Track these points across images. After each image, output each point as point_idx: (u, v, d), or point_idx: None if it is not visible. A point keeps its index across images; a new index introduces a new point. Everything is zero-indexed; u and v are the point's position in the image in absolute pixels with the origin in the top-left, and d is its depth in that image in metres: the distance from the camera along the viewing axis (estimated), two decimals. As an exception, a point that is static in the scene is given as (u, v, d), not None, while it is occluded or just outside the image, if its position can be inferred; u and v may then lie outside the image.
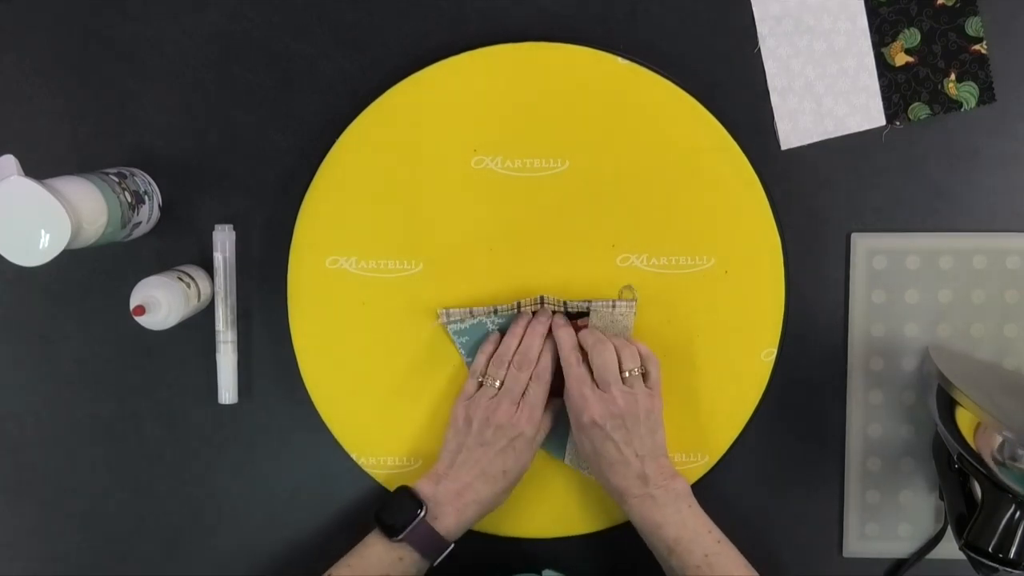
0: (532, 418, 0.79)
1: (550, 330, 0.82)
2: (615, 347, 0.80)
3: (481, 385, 0.81)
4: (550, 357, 0.81)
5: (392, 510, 0.78)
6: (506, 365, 0.81)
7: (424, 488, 0.79)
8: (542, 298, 0.83)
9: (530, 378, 0.80)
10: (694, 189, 0.84)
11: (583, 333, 0.81)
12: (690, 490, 0.79)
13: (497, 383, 0.80)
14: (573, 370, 0.80)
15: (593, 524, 0.87)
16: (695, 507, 0.79)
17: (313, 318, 0.85)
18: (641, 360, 0.81)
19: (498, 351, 0.82)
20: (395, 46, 0.85)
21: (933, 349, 0.86)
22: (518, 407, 0.79)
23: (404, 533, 0.76)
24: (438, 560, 0.78)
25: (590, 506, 0.86)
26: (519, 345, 0.81)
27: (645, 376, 0.81)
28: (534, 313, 0.83)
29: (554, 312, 0.83)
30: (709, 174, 0.84)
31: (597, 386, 0.79)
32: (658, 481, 0.78)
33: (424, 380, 0.85)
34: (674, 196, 0.84)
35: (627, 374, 0.79)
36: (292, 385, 0.86)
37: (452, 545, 0.79)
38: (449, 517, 0.78)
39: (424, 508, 0.77)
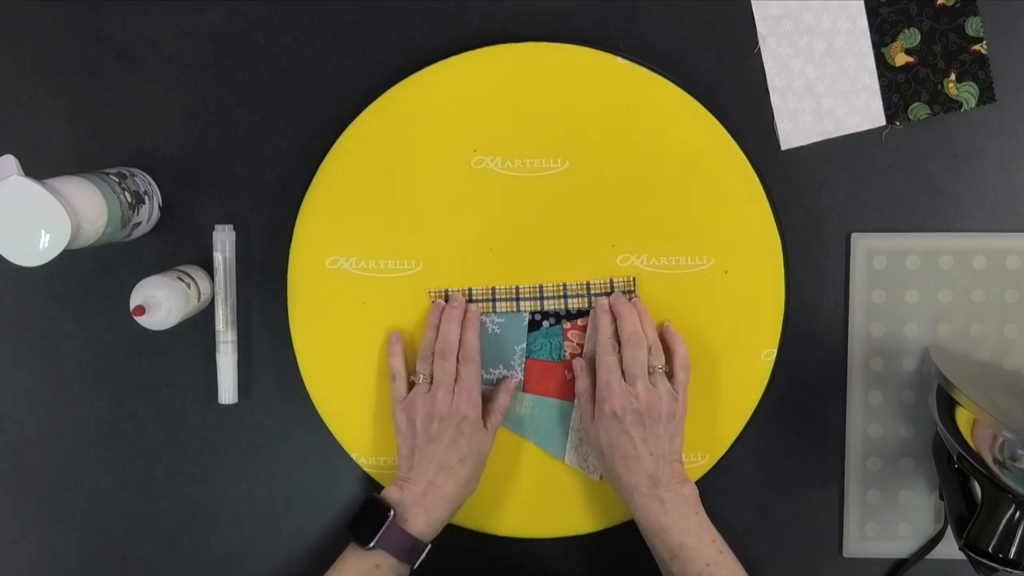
0: (471, 399, 0.80)
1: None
2: (648, 342, 0.80)
3: (412, 385, 0.82)
4: (473, 335, 0.81)
5: (361, 519, 0.78)
6: (430, 358, 0.81)
7: (390, 494, 0.79)
8: (541, 287, 0.83)
9: (458, 362, 0.80)
10: (694, 189, 0.84)
11: (623, 320, 0.81)
12: (698, 497, 0.80)
13: (426, 378, 0.80)
14: (606, 359, 0.80)
15: (593, 524, 0.87)
16: (702, 514, 0.79)
17: (313, 318, 0.85)
18: (673, 361, 0.81)
19: (421, 347, 0.82)
20: (395, 46, 0.85)
21: (933, 349, 0.86)
22: (453, 394, 0.79)
23: (376, 539, 0.76)
24: (417, 563, 0.78)
25: (590, 506, 0.86)
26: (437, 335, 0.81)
27: (672, 377, 0.81)
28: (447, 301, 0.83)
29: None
30: (709, 174, 0.84)
31: (624, 378, 0.79)
32: (668, 484, 0.78)
33: (424, 380, 0.85)
34: (674, 196, 0.84)
35: (650, 369, 0.80)
36: (292, 385, 0.86)
37: (429, 546, 0.78)
38: (419, 517, 0.78)
39: (392, 512, 0.77)
